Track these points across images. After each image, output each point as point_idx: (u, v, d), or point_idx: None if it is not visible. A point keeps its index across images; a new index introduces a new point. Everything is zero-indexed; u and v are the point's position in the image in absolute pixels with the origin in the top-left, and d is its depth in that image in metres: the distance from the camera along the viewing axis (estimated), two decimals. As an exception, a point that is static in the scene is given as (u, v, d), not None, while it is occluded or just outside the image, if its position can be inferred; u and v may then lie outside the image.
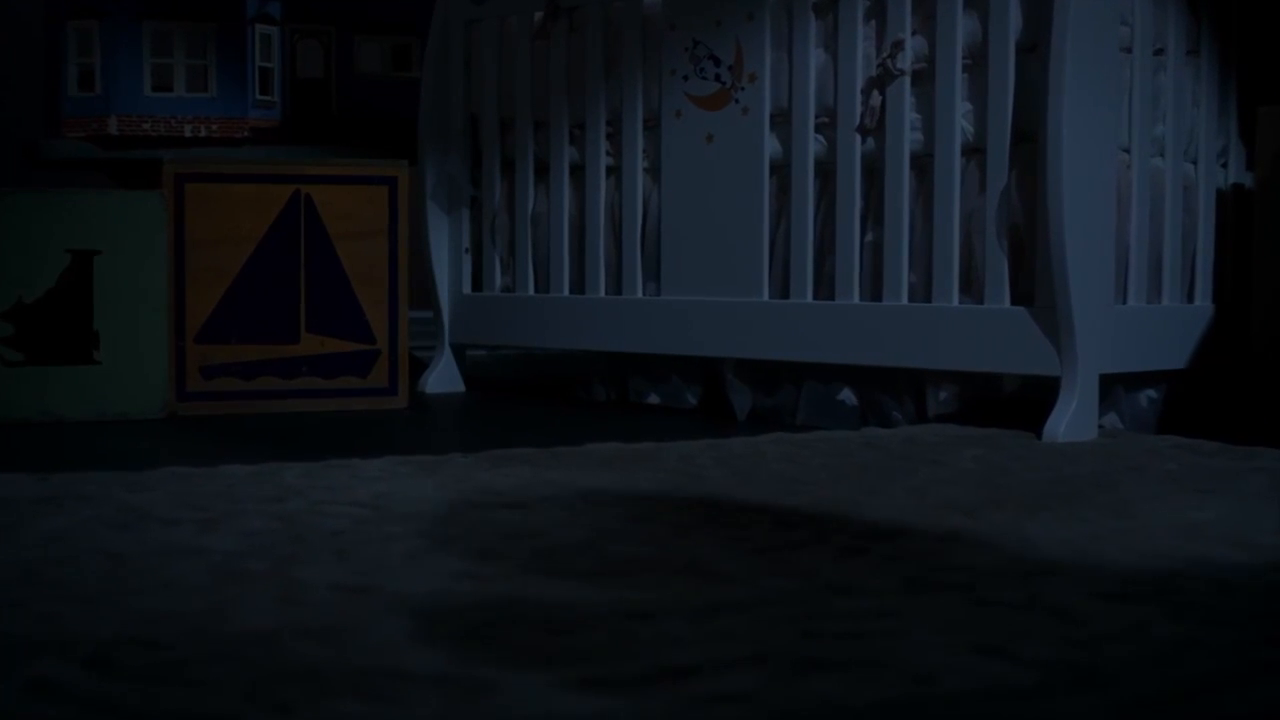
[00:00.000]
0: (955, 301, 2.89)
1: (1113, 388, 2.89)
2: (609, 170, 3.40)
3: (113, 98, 3.30)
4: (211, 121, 3.34)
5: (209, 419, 3.19)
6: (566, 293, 3.52)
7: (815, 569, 1.66)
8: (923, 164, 2.93)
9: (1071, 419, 2.73)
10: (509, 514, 2.00)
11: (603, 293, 3.44)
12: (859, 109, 2.97)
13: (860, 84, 2.98)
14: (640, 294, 3.37)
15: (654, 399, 3.45)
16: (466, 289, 3.71)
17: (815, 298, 3.08)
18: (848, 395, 3.07)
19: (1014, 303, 2.84)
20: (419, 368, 3.88)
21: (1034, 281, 2.81)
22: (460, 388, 3.78)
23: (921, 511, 2.04)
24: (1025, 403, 3.00)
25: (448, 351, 3.72)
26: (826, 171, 3.02)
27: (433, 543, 1.81)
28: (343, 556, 1.74)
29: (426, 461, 2.47)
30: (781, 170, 3.13)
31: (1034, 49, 2.79)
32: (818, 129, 3.06)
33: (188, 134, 3.31)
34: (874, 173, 2.96)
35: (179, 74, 3.36)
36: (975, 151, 2.89)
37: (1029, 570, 1.67)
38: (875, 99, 2.95)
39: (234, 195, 3.22)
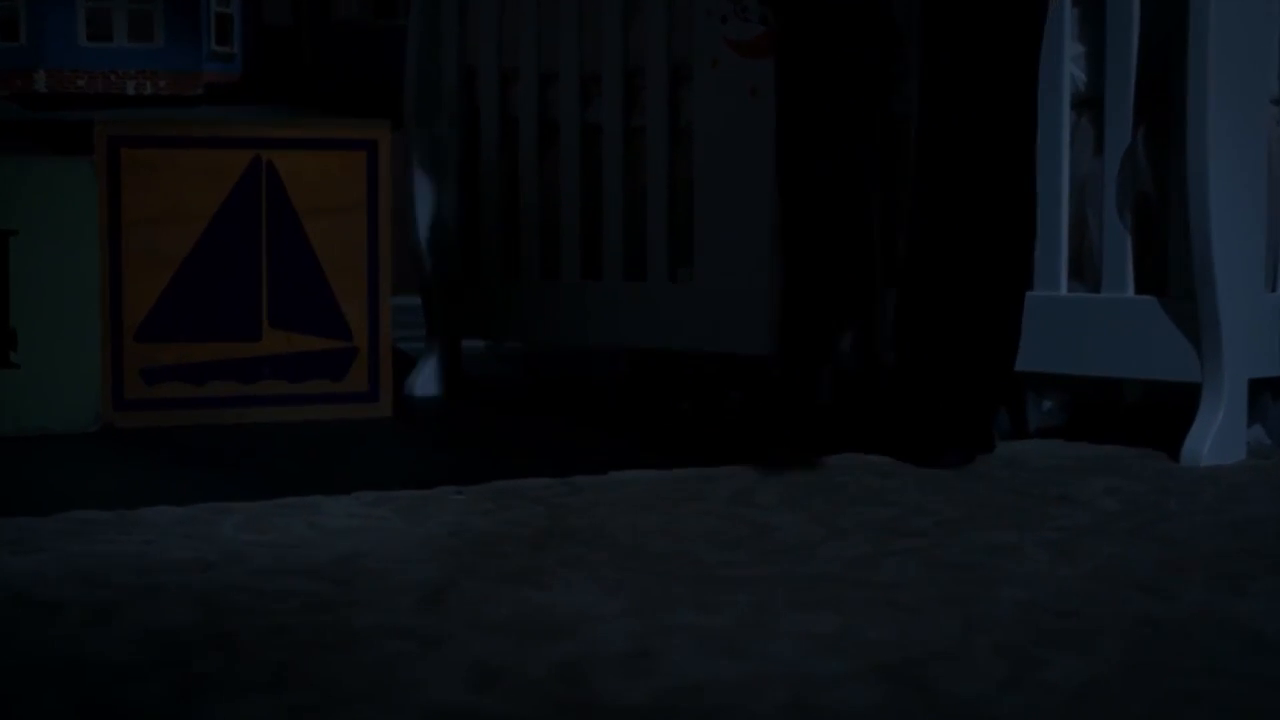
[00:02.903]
0: (1063, 289, 2.42)
1: (1259, 395, 2.34)
2: (631, 131, 2.95)
3: (41, 49, 2.80)
4: (158, 76, 2.88)
5: (151, 433, 2.70)
6: (578, 277, 3.04)
7: (972, 698, 1.11)
8: (1021, 120, 2.38)
9: (1217, 436, 2.19)
10: (521, 592, 1.45)
11: (622, 278, 2.97)
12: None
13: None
14: (668, 279, 2.88)
15: (688, 404, 2.96)
16: (460, 273, 3.26)
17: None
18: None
19: (1140, 291, 2.36)
20: (405, 366, 3.34)
21: (1166, 265, 2.30)
22: (454, 390, 3.24)
23: (1081, 584, 1.49)
24: (1143, 410, 2.45)
25: (439, 347, 3.25)
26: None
27: (415, 647, 1.27)
28: (280, 679, 1.19)
29: (410, 501, 1.92)
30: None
31: (1165, -25, 2.26)
32: (889, 79, 2.52)
33: (130, 91, 2.84)
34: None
35: (119, 21, 2.85)
36: (1089, 104, 2.41)
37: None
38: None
39: (181, 163, 2.78)
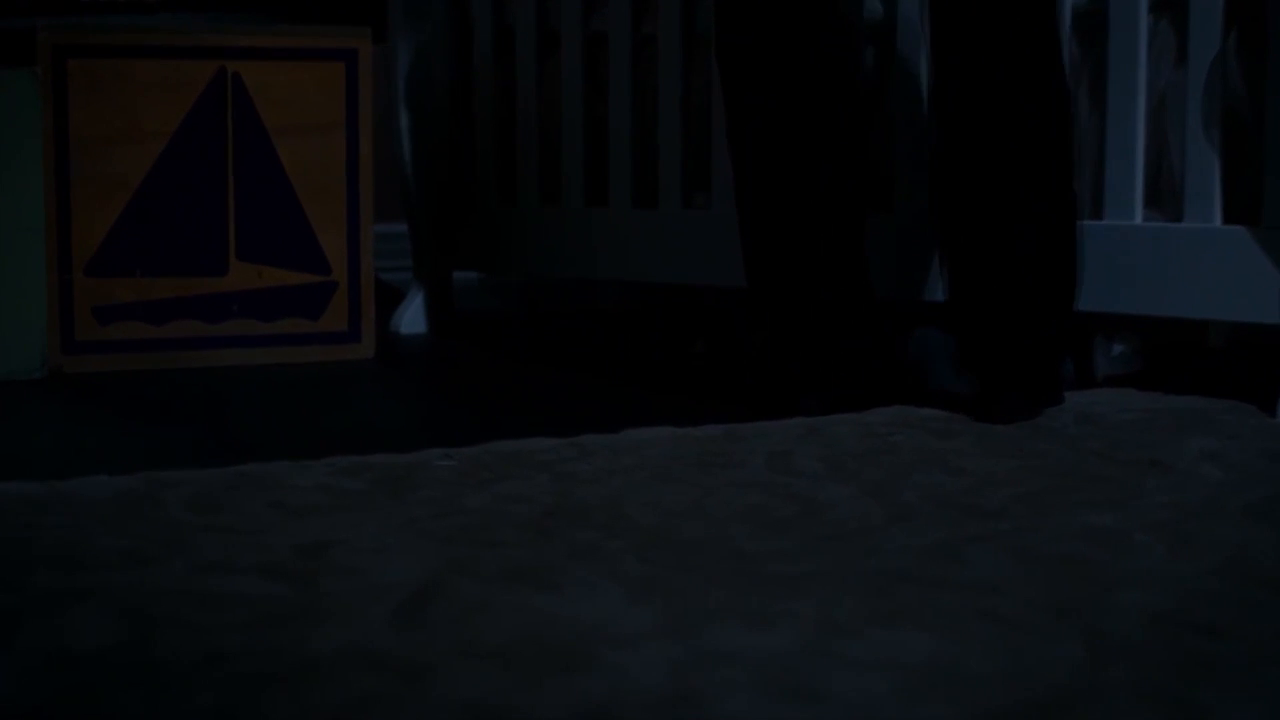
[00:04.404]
0: (1138, 218, 2.15)
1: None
2: (641, 40, 2.71)
3: (-20, -53, 2.55)
4: (114, -21, 2.63)
5: (103, 380, 2.45)
6: (582, 204, 2.82)
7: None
8: (1089, 24, 2.20)
9: (1319, 388, 1.92)
10: (524, 598, 1.17)
11: (631, 204, 2.74)
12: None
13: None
14: (682, 206, 2.66)
15: (702, 345, 2.77)
16: (451, 199, 3.04)
17: (930, 211, 2.30)
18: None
19: (1229, 221, 2.08)
20: (392, 300, 3.07)
21: (1260, 191, 2.03)
22: (445, 328, 3.00)
23: (1213, 585, 1.22)
24: (1228, 356, 2.18)
25: (428, 280, 3.06)
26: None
27: (389, 683, 0.99)
28: (213, 737, 0.91)
29: (391, 469, 1.64)
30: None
31: None
32: (935, -22, 2.26)
33: (82, -4, 2.59)
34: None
35: (68, -84, 2.63)
36: (1169, 5, 2.14)
37: None
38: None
39: (136, 76, 2.54)
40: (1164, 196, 2.14)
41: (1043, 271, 1.92)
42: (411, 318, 3.00)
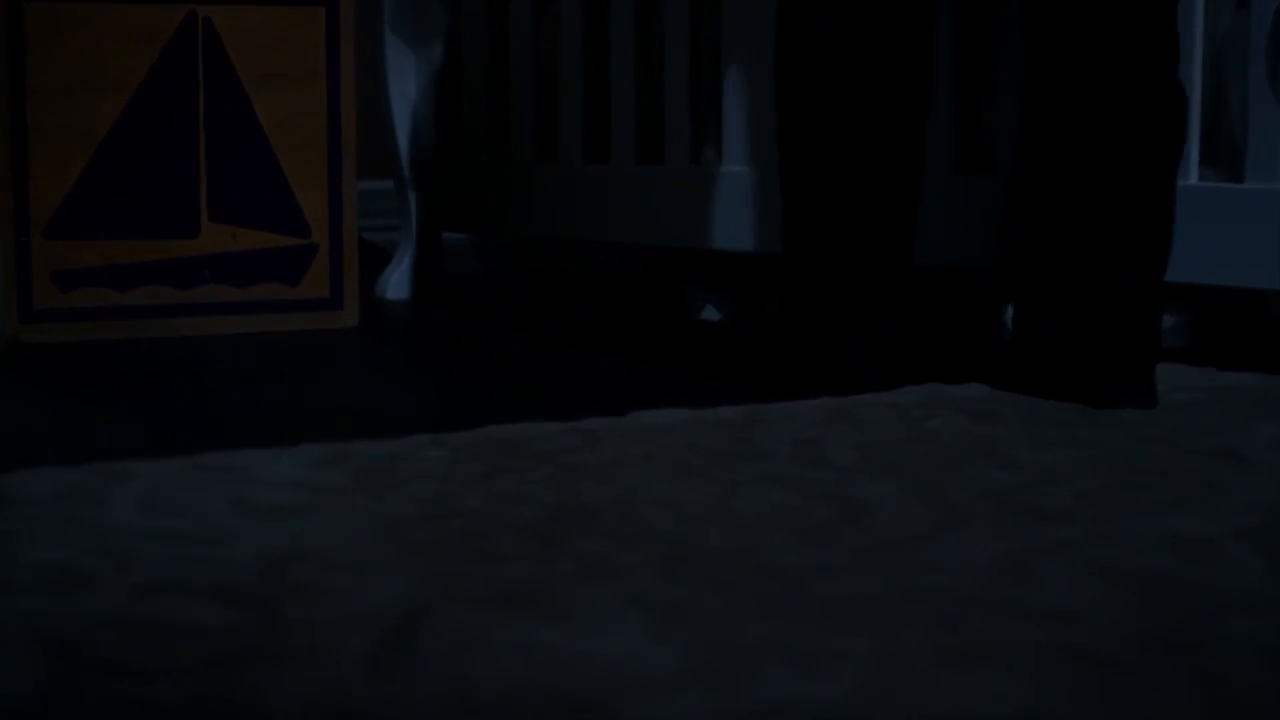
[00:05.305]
0: (1194, 179, 1.99)
1: None
2: None
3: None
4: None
5: (64, 350, 2.29)
6: (581, 160, 2.67)
7: None
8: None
9: (1397, 365, 1.76)
10: (526, 630, 1.00)
11: (634, 160, 2.59)
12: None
13: None
14: (690, 162, 2.50)
15: (712, 314, 2.60)
16: (441, 154, 2.90)
17: (958, 169, 2.14)
18: (1011, 316, 2.11)
19: None
20: (377, 262, 2.91)
21: None
22: (434, 294, 2.84)
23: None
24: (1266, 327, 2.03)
25: (416, 240, 2.91)
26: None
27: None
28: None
29: (372, 459, 1.48)
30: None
31: None
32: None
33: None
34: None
35: None
36: None
37: None
38: None
39: (98, 20, 2.40)
40: (1222, 155, 1.99)
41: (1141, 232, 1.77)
42: (399, 282, 2.85)
